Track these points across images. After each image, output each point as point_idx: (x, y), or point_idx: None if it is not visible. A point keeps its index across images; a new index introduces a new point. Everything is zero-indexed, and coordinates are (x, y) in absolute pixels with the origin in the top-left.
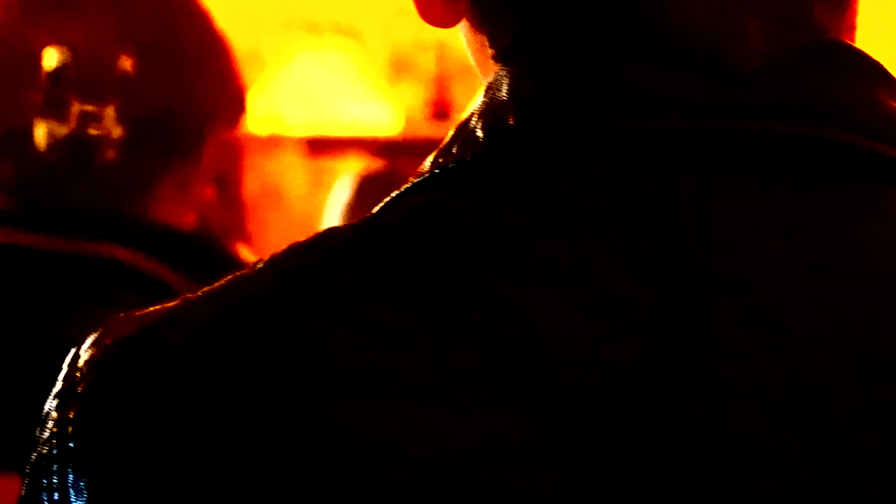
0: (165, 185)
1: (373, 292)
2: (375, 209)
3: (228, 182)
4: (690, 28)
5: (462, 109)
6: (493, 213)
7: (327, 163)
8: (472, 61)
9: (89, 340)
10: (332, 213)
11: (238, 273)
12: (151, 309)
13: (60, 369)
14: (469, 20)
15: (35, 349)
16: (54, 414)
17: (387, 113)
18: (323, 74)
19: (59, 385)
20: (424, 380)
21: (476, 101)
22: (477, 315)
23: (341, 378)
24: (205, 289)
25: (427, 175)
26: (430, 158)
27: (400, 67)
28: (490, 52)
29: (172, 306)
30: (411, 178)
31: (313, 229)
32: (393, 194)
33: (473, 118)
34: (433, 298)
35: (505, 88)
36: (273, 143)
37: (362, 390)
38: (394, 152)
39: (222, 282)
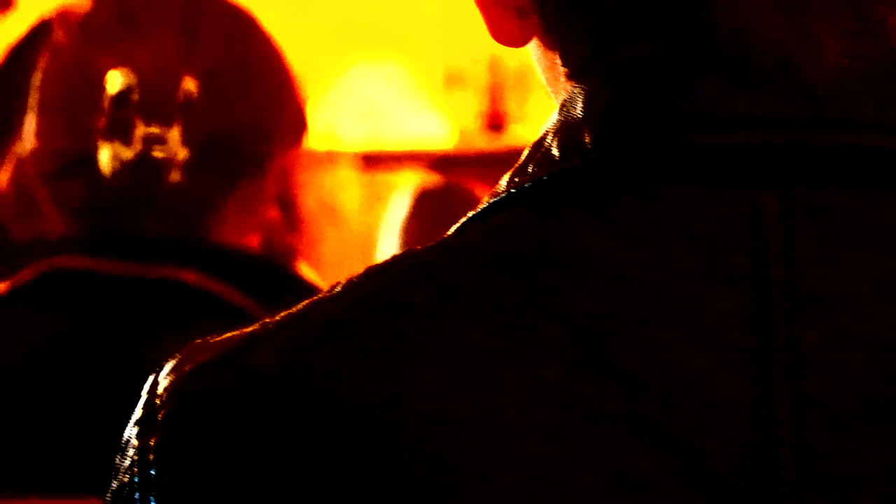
0: (230, 206)
1: (456, 315)
2: (451, 230)
3: (290, 201)
4: (765, 42)
5: (516, 121)
6: (575, 232)
7: (382, 177)
8: (542, 79)
9: (168, 367)
10: (390, 229)
11: (316, 297)
12: (229, 334)
13: (135, 395)
14: (540, 39)
15: (107, 373)
16: (135, 441)
17: (441, 126)
18: (376, 89)
19: (138, 412)
20: (513, 402)
21: (550, 119)
22: (564, 336)
23: (430, 404)
24: (282, 313)
25: (504, 195)
26: (505, 178)
27: (453, 80)
28: (562, 70)
29: (251, 331)
30: (487, 198)
31: (369, 244)
32: (469, 214)
33: (548, 136)
34: (518, 320)
35: (579, 106)
36: (328, 159)
37: (451, 416)
38: (449, 165)
39: (301, 306)
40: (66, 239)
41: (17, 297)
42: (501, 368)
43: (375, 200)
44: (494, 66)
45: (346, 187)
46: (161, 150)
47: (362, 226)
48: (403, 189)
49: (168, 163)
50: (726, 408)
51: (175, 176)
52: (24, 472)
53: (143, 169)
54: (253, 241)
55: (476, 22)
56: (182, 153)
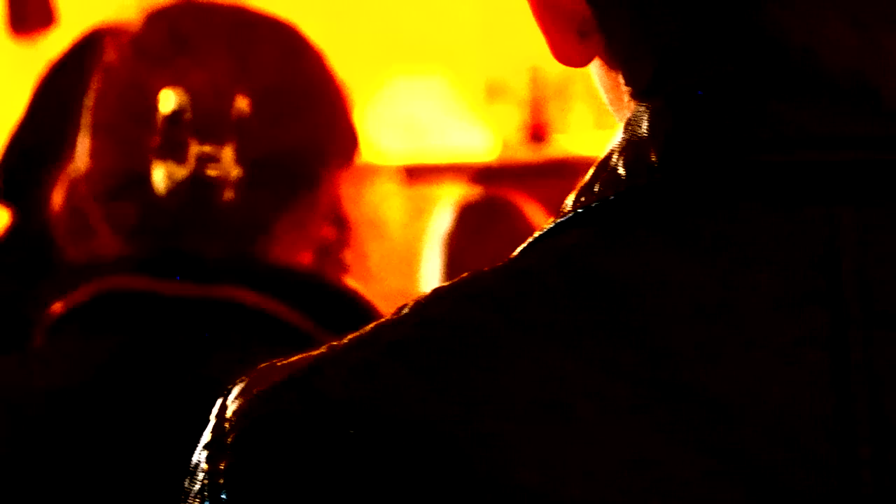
0: (283, 224)
1: (525, 338)
2: (517, 251)
3: (341, 218)
4: (838, 58)
5: (558, 132)
6: (646, 253)
7: (425, 190)
8: (604, 99)
9: (236, 390)
10: (433, 241)
11: (383, 319)
12: (296, 357)
13: (193, 415)
14: (602, 59)
15: (165, 394)
16: (204, 465)
17: (483, 138)
18: (418, 101)
19: (207, 436)
20: (587, 428)
21: (615, 138)
22: (635, 356)
23: (503, 427)
24: (349, 335)
25: (570, 214)
26: (570, 197)
27: (494, 92)
28: (626, 89)
29: (318, 354)
30: (553, 218)
31: (412, 257)
32: (535, 234)
33: (614, 155)
34: (587, 342)
35: (645, 125)
36: (370, 172)
37: (524, 440)
38: (491, 177)
39: (368, 328)
40: (121, 259)
41: (73, 317)
42: (573, 392)
43: (418, 213)
44: (535, 78)
45: (388, 200)
46: (215, 169)
47: (405, 238)
48: (446, 201)
49: (222, 182)
50: (807, 430)
51: (229, 195)
52: (84, 494)
53: (197, 188)
54: (305, 259)
55: (517, 33)
56: (236, 172)
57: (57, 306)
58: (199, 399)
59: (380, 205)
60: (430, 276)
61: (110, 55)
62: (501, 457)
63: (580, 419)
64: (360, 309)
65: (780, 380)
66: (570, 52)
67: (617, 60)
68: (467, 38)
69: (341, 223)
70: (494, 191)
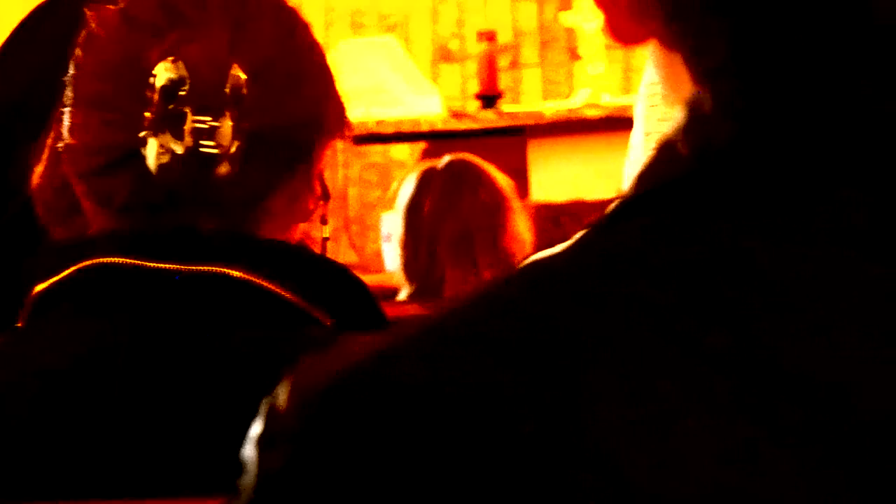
0: (277, 199)
1: (607, 325)
2: (579, 234)
3: (326, 192)
4: None
5: (507, 96)
6: (724, 234)
7: (378, 156)
8: (662, 78)
9: (286, 384)
10: (393, 208)
11: (450, 306)
12: (350, 347)
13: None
14: (661, 38)
15: (155, 370)
16: (257, 460)
17: (433, 103)
18: (368, 68)
19: (258, 430)
20: (681, 417)
21: (674, 119)
22: (729, 344)
23: (588, 416)
24: (409, 325)
25: (635, 197)
26: (633, 180)
27: (444, 57)
28: (688, 70)
29: (380, 344)
30: (617, 201)
31: (368, 225)
32: (598, 219)
33: (677, 137)
34: (676, 329)
35: (710, 105)
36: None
37: (623, 430)
38: (443, 141)
39: (437, 316)
40: (110, 236)
41: (60, 296)
42: (665, 381)
43: (371, 180)
44: (483, 42)
45: (342, 166)
46: (212, 143)
47: (359, 206)
48: (402, 167)
49: (219, 156)
50: None
51: (225, 169)
52: (94, 473)
53: (193, 162)
54: (294, 234)
55: None
56: (233, 146)
57: (42, 285)
58: (189, 374)
59: (333, 172)
60: (391, 243)
61: (94, 26)
62: (603, 451)
63: (676, 411)
64: (351, 285)
65: (884, 362)
66: (625, 29)
67: (677, 40)
68: (415, 3)
69: (325, 196)
70: (454, 155)
